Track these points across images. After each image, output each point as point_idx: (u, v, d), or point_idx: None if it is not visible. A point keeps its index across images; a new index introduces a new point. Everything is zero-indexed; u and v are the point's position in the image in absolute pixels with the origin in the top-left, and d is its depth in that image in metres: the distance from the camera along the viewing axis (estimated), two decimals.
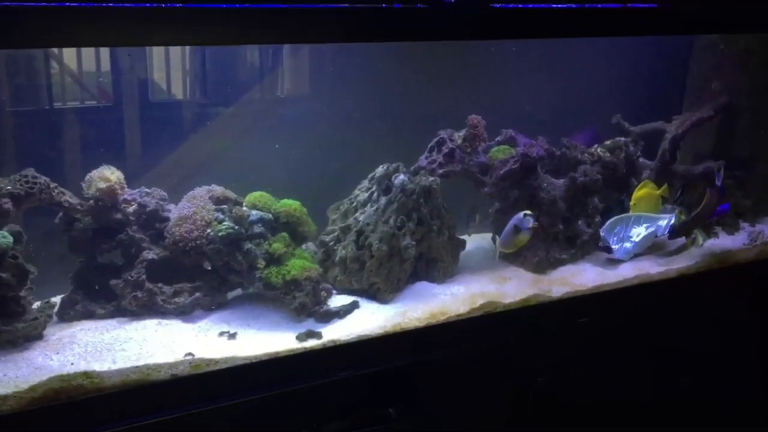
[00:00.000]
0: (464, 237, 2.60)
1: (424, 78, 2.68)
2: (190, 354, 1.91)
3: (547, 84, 2.88)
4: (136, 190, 2.22)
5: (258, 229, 2.20)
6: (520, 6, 1.97)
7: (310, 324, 2.14)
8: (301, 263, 2.20)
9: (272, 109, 2.71)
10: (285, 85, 2.78)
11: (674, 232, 2.66)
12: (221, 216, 2.17)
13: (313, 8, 1.72)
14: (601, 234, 2.65)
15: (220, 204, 2.23)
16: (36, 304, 2.03)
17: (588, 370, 2.50)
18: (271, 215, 2.24)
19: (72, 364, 1.81)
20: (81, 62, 2.43)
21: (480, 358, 2.32)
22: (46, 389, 1.71)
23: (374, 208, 2.35)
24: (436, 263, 2.44)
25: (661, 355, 2.65)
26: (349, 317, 2.21)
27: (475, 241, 2.79)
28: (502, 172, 2.49)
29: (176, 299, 2.12)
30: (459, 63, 2.67)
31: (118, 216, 2.15)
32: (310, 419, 2.03)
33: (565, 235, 2.65)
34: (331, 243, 2.36)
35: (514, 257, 2.62)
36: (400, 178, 2.36)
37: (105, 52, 2.39)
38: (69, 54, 2.40)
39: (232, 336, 2.05)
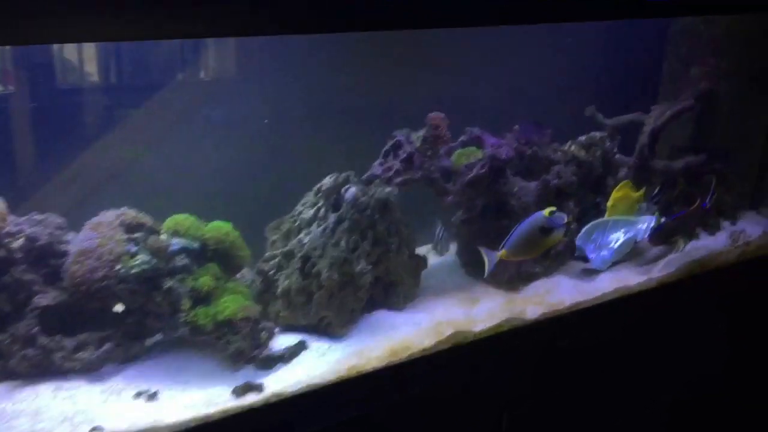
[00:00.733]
0: (434, 255, 2.28)
1: (377, 66, 2.30)
2: (97, 429, 1.53)
3: (510, 72, 2.54)
4: (24, 218, 1.78)
5: (181, 261, 1.81)
6: None
7: (248, 373, 1.79)
8: (235, 300, 1.82)
9: (195, 100, 2.26)
10: (210, 65, 2.33)
11: (655, 238, 2.40)
12: (134, 248, 1.77)
13: None
14: (578, 243, 2.36)
15: (133, 232, 1.82)
16: None
17: (568, 399, 2.23)
18: (196, 243, 1.85)
19: None
20: None
21: (449, 397, 2.01)
22: None
23: (322, 227, 1.97)
24: (395, 287, 2.11)
25: (644, 374, 2.40)
26: (295, 361, 1.86)
27: (436, 257, 2.47)
28: (468, 178, 2.15)
29: (80, 354, 1.72)
30: (417, 49, 2.29)
31: (1, 253, 1.71)
32: None
33: None
34: (272, 271, 1.98)
35: (482, 273, 2.30)
36: (352, 190, 2.00)
37: None
38: None
39: (153, 396, 1.67)
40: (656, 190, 2.55)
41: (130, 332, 1.79)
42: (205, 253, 1.86)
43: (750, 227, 2.70)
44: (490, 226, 2.27)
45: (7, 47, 1.91)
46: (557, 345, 2.20)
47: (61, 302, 1.74)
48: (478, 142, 2.23)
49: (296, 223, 2.04)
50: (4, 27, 1.16)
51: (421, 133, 2.17)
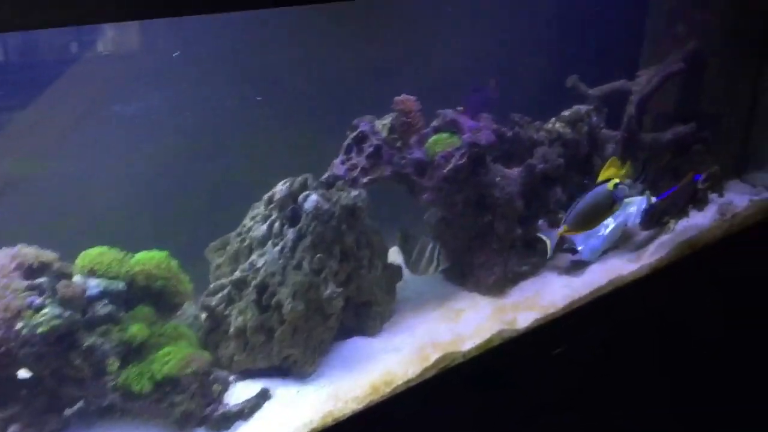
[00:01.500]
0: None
1: (327, 39, 1.90)
2: None
3: (475, 39, 2.19)
4: None
5: (103, 308, 1.42)
6: None
7: None
8: (177, 350, 1.46)
9: (98, 92, 1.79)
10: (117, 44, 1.85)
11: (647, 222, 2.14)
12: (38, 299, 1.36)
13: None
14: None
15: (35, 277, 1.40)
16: None
17: (568, 414, 1.98)
18: (120, 283, 1.45)
19: None
20: None
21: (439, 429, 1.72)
22: None
23: (279, 246, 1.60)
24: (369, 308, 1.78)
25: (646, 372, 2.19)
26: (258, 415, 1.53)
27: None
28: (446, 170, 1.81)
29: None
30: (372, 19, 1.91)
31: None
32: None
33: (524, 239, 2.05)
34: (221, 306, 1.60)
35: (465, 278, 2.00)
36: (312, 198, 1.63)
37: None
38: None
39: None
40: (641, 169, 2.29)
41: (42, 406, 1.39)
42: (133, 294, 1.48)
43: (737, 198, 2.49)
44: (471, 223, 1.96)
45: None
46: (552, 353, 1.94)
47: None
48: (453, 127, 1.88)
49: (245, 242, 1.66)
50: None
51: (388, 120, 1.80)
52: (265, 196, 1.69)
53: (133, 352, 1.43)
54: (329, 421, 1.52)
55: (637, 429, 2.22)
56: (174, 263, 1.53)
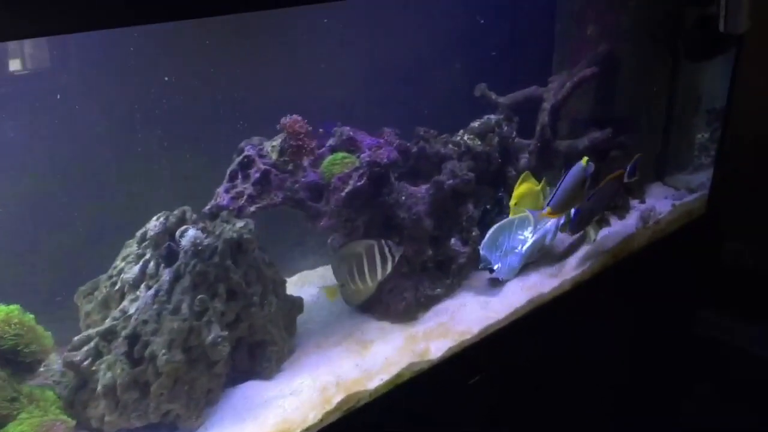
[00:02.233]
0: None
1: (215, 56, 1.74)
2: None
3: (374, 48, 2.05)
4: None
5: None
6: None
7: None
8: (32, 418, 1.27)
9: None
10: None
11: (576, 225, 2.04)
12: None
13: None
14: (482, 252, 1.97)
15: None
16: None
17: None
18: None
19: None
20: None
21: None
22: None
23: (153, 289, 1.44)
24: (264, 348, 1.62)
25: (571, 394, 2.09)
26: None
27: (311, 287, 2.00)
28: (344, 193, 1.67)
29: None
30: (261, 34, 1.75)
31: None
32: None
33: (435, 260, 1.93)
34: (87, 361, 1.42)
35: (372, 306, 1.87)
36: (190, 233, 1.47)
37: None
38: None
39: None
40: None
41: None
42: None
43: (659, 203, 2.42)
44: None
45: None
46: (468, 383, 1.82)
47: None
48: (351, 145, 1.74)
49: (116, 286, 1.48)
50: None
51: (277, 141, 1.65)
52: (139, 233, 1.52)
53: None
54: None
55: None
56: (28, 317, 1.35)
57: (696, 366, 2.66)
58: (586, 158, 1.89)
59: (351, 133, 1.75)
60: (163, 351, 1.38)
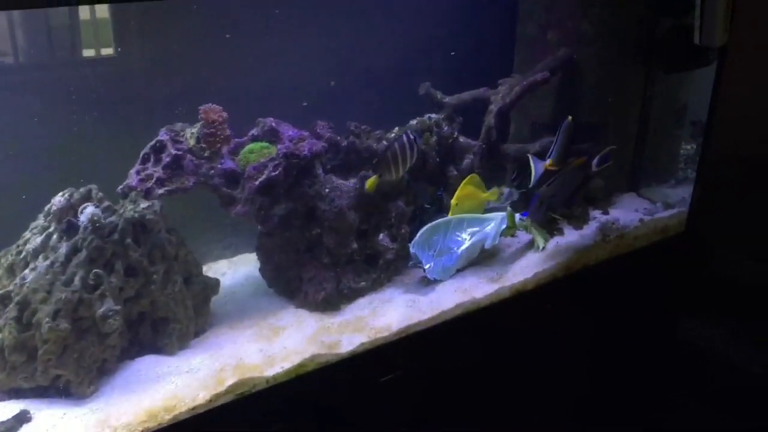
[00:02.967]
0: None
1: (158, 39, 1.81)
2: None
3: (328, 44, 2.08)
4: None
5: None
6: None
7: None
8: None
9: None
10: None
11: (535, 210, 2.02)
12: None
13: None
14: (412, 250, 1.96)
15: None
16: None
17: None
18: None
19: None
20: None
21: None
22: None
23: (49, 261, 1.51)
24: (166, 325, 1.67)
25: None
26: None
27: (244, 270, 2.04)
28: (257, 182, 1.71)
29: None
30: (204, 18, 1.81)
31: None
32: None
33: (365, 253, 1.94)
34: None
35: (293, 294, 1.89)
36: (88, 210, 1.54)
37: None
38: None
39: None
40: (514, 174, 2.16)
41: None
42: None
43: (625, 215, 2.33)
44: (300, 237, 1.85)
45: None
46: (379, 380, 1.81)
47: None
48: (273, 136, 1.78)
49: (21, 255, 1.57)
50: None
51: (196, 128, 1.71)
52: (47, 206, 1.60)
53: None
54: None
55: None
56: None
57: (667, 378, 2.53)
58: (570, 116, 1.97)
59: (273, 124, 1.78)
60: (47, 319, 1.45)
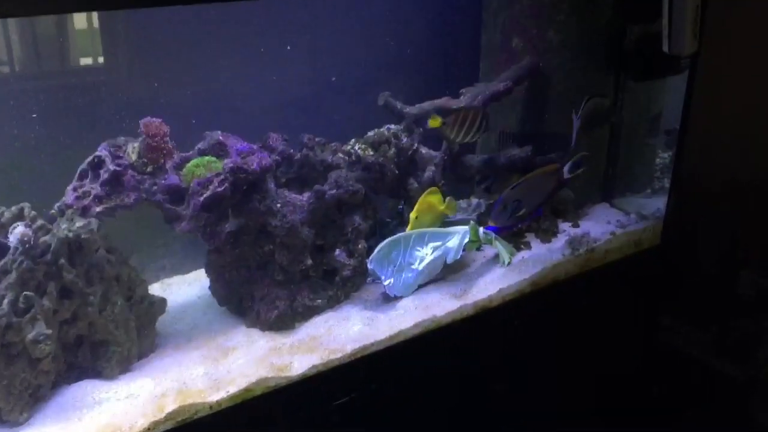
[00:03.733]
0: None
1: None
2: None
3: (289, 54, 2.01)
4: None
5: None
6: None
7: None
8: None
9: None
10: None
11: (498, 214, 1.96)
12: None
13: None
14: (370, 266, 1.89)
15: None
16: None
17: None
18: None
19: None
20: None
21: None
22: None
23: None
24: (106, 348, 1.60)
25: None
26: None
27: (197, 287, 1.97)
28: (202, 198, 1.64)
29: None
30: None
31: None
32: None
33: (321, 270, 1.87)
34: None
35: (246, 313, 1.83)
36: (18, 230, 1.47)
37: None
38: None
39: None
40: (487, 183, 2.09)
41: None
42: None
43: (596, 227, 2.26)
44: (251, 254, 1.78)
45: None
46: (333, 404, 1.74)
47: None
48: (220, 149, 1.71)
49: None
50: None
51: (137, 143, 1.64)
52: None
53: None
54: None
55: None
56: None
57: (641, 396, 2.46)
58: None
59: (221, 138, 1.71)
60: None
